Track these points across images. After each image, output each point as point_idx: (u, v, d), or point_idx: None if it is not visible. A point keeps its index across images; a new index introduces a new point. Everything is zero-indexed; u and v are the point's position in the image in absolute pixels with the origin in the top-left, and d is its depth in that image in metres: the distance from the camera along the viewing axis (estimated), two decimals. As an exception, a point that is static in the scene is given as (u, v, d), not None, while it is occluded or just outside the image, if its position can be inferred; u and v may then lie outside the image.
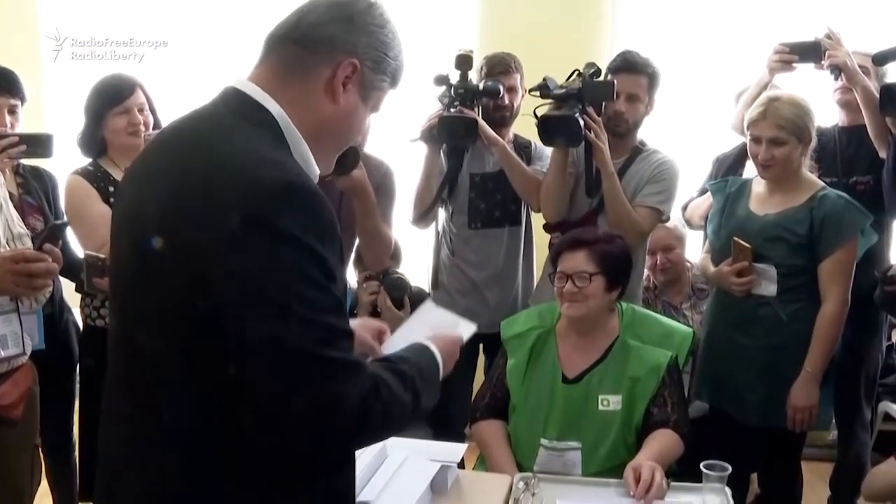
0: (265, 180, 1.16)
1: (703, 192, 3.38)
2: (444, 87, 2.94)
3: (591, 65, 2.86)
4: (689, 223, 3.45)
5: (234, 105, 1.28)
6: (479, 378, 3.03)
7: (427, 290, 3.20)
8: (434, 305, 1.82)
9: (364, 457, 1.97)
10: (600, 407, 2.42)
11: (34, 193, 2.90)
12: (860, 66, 2.90)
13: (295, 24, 1.31)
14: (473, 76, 3.01)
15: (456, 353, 1.51)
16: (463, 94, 2.93)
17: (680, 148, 3.34)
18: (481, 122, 2.95)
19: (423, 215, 3.10)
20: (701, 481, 2.11)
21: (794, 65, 3.01)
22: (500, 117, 3.08)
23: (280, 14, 1.36)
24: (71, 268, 2.58)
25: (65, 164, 2.94)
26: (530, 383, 2.51)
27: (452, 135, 2.93)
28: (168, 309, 1.19)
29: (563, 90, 2.78)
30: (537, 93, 2.83)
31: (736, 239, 2.69)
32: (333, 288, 1.19)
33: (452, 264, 3.16)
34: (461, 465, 2.32)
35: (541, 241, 3.20)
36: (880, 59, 2.95)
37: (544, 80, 2.83)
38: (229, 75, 1.34)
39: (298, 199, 1.17)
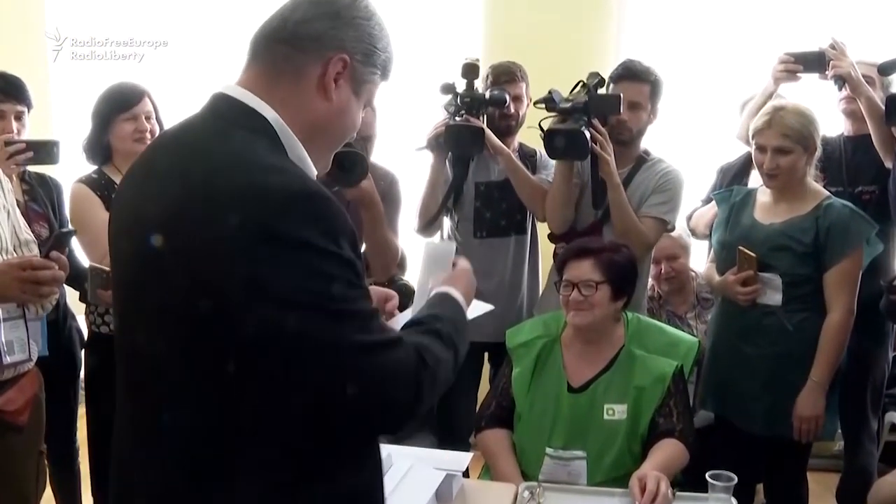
0: (277, 188, 1.15)
1: (707, 201, 3.38)
2: (450, 96, 2.95)
3: (594, 75, 2.86)
4: (693, 233, 3.45)
5: (226, 111, 1.27)
6: (484, 387, 3.02)
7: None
8: (434, 243, 1.83)
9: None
10: (606, 416, 2.42)
11: (40, 201, 2.91)
12: (865, 76, 2.91)
13: (280, 23, 1.30)
14: (479, 85, 3.01)
15: (471, 283, 1.58)
16: (469, 103, 2.93)
17: (684, 157, 3.34)
18: (487, 131, 2.95)
19: (429, 224, 3.10)
20: (706, 491, 2.11)
21: (799, 75, 3.02)
22: (506, 126, 3.09)
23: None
24: (76, 277, 2.58)
25: (70, 169, 2.95)
26: (535, 392, 2.51)
27: (458, 143, 2.93)
28: (168, 309, 1.19)
29: (570, 104, 2.78)
30: (543, 106, 2.84)
31: (741, 248, 2.69)
32: (354, 277, 1.19)
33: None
34: (466, 474, 2.32)
35: (546, 251, 3.20)
36: (886, 69, 2.95)
37: (550, 93, 2.83)
38: (229, 75, 1.33)
39: (308, 205, 1.16)
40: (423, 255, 1.77)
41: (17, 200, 2.48)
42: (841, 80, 2.92)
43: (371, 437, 1.34)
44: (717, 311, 2.97)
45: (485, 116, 3.01)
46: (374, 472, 1.37)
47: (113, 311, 1.41)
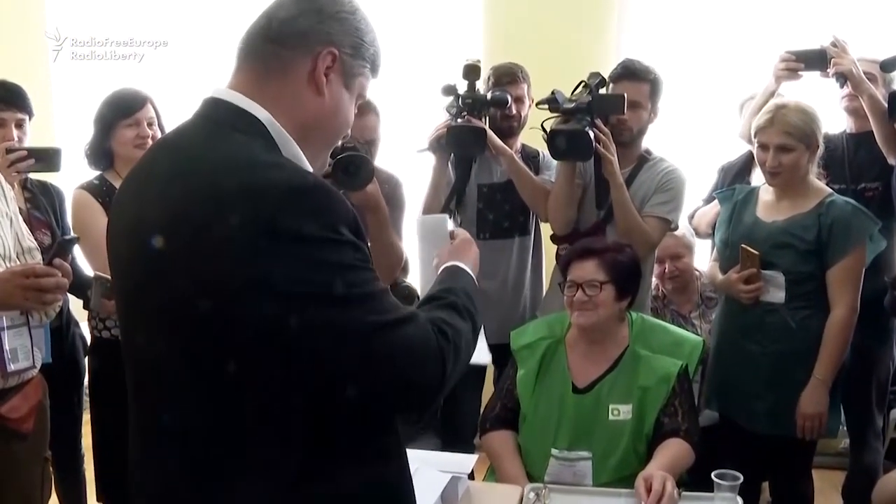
0: (277, 184, 1.15)
1: (708, 200, 3.38)
2: (451, 97, 2.95)
3: (595, 75, 2.85)
4: (696, 231, 3.45)
5: (219, 115, 1.27)
6: (489, 389, 3.02)
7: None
8: (425, 217, 1.82)
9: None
10: (611, 416, 2.42)
11: (42, 208, 2.91)
12: (867, 73, 2.90)
13: (266, 23, 1.30)
14: (481, 86, 3.01)
15: (474, 252, 1.58)
16: (471, 104, 2.93)
17: (685, 156, 3.33)
18: (489, 132, 2.95)
19: (431, 226, 3.09)
20: (712, 490, 2.11)
21: (800, 73, 3.02)
22: (508, 127, 3.09)
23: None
24: (79, 285, 2.58)
25: (72, 175, 2.96)
26: (540, 393, 2.51)
27: (460, 145, 2.93)
28: (168, 310, 1.20)
29: (573, 104, 2.77)
30: (546, 107, 2.83)
31: (744, 246, 2.69)
32: (360, 261, 1.19)
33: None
34: (471, 476, 2.32)
35: (549, 252, 3.20)
36: (888, 66, 2.95)
37: (553, 93, 2.82)
38: (229, 76, 1.32)
39: (308, 199, 1.16)
40: (417, 231, 1.77)
41: (19, 208, 2.48)
42: (842, 78, 2.91)
43: (396, 420, 1.34)
44: (720, 310, 2.97)
45: (487, 117, 3.01)
46: (401, 465, 1.36)
47: (117, 314, 1.41)
